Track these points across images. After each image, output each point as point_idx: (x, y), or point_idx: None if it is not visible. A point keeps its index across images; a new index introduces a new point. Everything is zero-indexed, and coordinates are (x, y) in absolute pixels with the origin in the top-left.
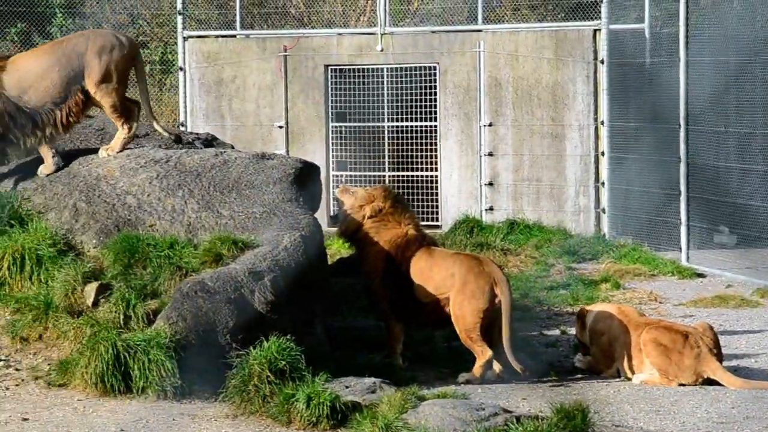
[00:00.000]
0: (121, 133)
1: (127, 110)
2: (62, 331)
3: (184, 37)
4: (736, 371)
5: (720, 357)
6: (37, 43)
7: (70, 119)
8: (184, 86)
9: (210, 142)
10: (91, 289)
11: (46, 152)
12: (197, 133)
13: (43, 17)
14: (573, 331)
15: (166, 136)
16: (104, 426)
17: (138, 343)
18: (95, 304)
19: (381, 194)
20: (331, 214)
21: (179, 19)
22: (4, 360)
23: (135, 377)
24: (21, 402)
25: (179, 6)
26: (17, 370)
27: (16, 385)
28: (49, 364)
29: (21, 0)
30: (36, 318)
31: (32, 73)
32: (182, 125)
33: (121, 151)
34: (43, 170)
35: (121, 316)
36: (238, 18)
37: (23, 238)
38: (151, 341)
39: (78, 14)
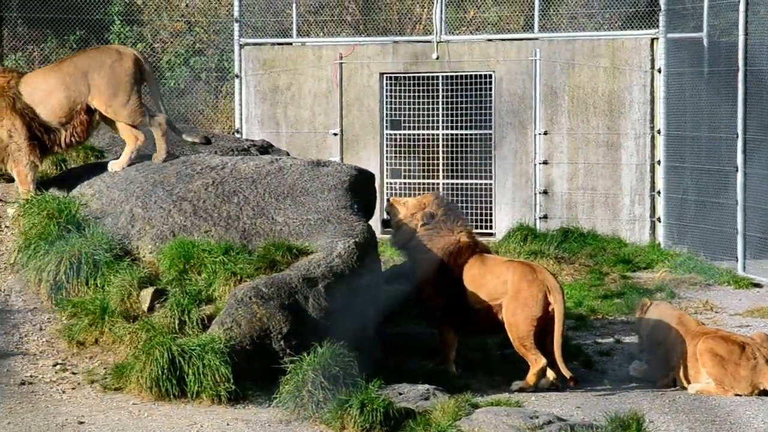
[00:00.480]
0: (128, 148)
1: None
2: (118, 335)
3: (240, 45)
4: None
5: None
6: None
7: (73, 139)
8: (240, 93)
9: (265, 149)
10: (147, 294)
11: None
12: (253, 140)
13: (102, 25)
14: (627, 339)
15: (189, 141)
16: (159, 430)
17: (193, 348)
18: (151, 309)
19: (432, 201)
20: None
21: (236, 26)
22: (61, 364)
23: (189, 382)
24: (77, 405)
25: (236, 13)
26: (73, 373)
27: (73, 388)
28: (104, 368)
29: (80, 8)
30: (92, 322)
31: (41, 91)
32: (237, 132)
33: (128, 165)
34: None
35: (176, 321)
36: (294, 25)
37: (80, 243)
38: (205, 346)
39: (136, 22)
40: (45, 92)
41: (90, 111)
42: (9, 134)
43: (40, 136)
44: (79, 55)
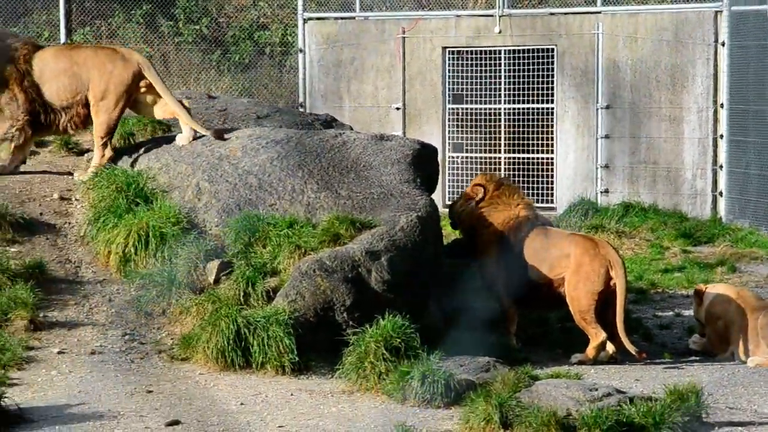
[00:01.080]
0: (96, 159)
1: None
2: (185, 306)
3: (304, 19)
4: None
5: None
6: (162, 26)
7: (70, 126)
8: (304, 68)
9: (329, 123)
10: (213, 266)
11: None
12: (317, 114)
13: (168, 0)
14: (687, 313)
15: (208, 135)
16: (225, 399)
17: (258, 319)
18: (216, 281)
19: (483, 179)
20: (447, 202)
21: (299, 1)
22: (130, 334)
23: (254, 353)
24: (145, 375)
25: None
26: (142, 343)
27: (141, 358)
28: (171, 339)
29: None
30: (160, 294)
31: (49, 70)
32: (301, 106)
33: (93, 177)
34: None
35: (242, 293)
36: (357, 0)
37: (148, 216)
38: (270, 318)
39: None
40: (53, 72)
41: (88, 105)
42: (7, 103)
43: (39, 115)
44: (90, 48)
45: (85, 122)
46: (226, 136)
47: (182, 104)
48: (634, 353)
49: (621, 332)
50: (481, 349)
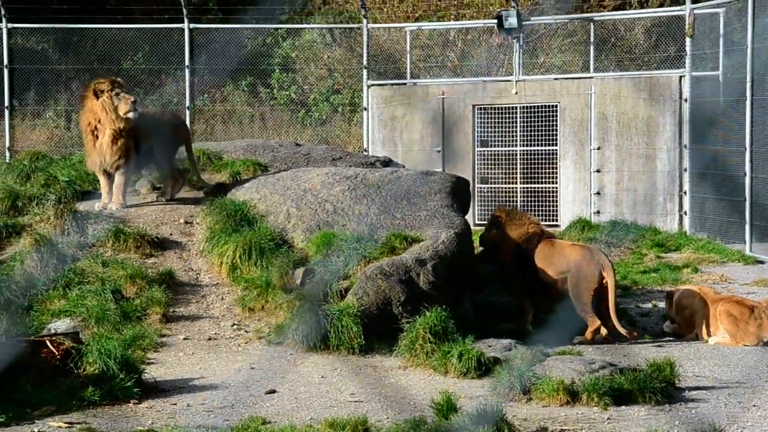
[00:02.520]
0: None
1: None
2: (278, 303)
3: (368, 86)
4: None
5: None
6: (260, 93)
7: None
8: (367, 122)
9: (387, 163)
10: (299, 272)
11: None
12: (377, 156)
13: (266, 73)
14: (662, 304)
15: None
16: (309, 374)
17: (334, 312)
18: (302, 283)
19: (498, 212)
20: (476, 220)
21: (365, 72)
22: (237, 324)
23: (331, 338)
24: (249, 355)
25: (365, 62)
26: (246, 332)
27: (246, 342)
28: (269, 328)
29: (250, 61)
30: (259, 294)
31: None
32: (365, 151)
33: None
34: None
35: (321, 293)
36: (408, 70)
37: (251, 235)
38: (343, 311)
39: (290, 70)
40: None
41: None
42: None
43: None
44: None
45: None
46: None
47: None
48: (625, 334)
49: (614, 319)
50: (504, 334)
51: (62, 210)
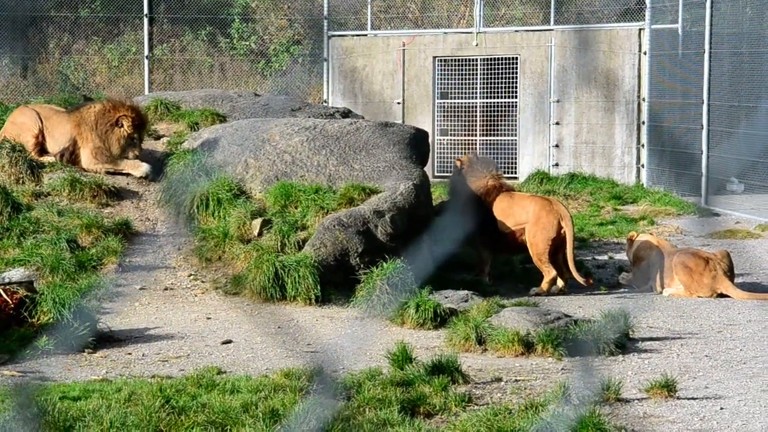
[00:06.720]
0: None
1: None
2: (235, 254)
3: (328, 36)
4: (742, 286)
5: (732, 277)
6: (220, 43)
7: None
8: (327, 73)
9: (346, 114)
10: (257, 223)
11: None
12: (337, 108)
13: (225, 22)
14: (618, 256)
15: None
16: (266, 324)
17: (291, 263)
18: (260, 234)
19: (467, 157)
20: (436, 172)
21: (325, 22)
22: (194, 274)
23: (288, 288)
24: (205, 305)
25: (325, 12)
26: (202, 282)
27: (202, 293)
28: (225, 278)
29: (209, 10)
30: (216, 244)
31: None
32: (325, 102)
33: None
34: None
35: (279, 244)
36: (369, 21)
37: (208, 185)
38: (300, 262)
39: (250, 20)
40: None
41: None
42: None
43: None
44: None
45: None
46: None
47: None
48: (582, 281)
49: (572, 267)
50: (461, 285)
51: (17, 158)
